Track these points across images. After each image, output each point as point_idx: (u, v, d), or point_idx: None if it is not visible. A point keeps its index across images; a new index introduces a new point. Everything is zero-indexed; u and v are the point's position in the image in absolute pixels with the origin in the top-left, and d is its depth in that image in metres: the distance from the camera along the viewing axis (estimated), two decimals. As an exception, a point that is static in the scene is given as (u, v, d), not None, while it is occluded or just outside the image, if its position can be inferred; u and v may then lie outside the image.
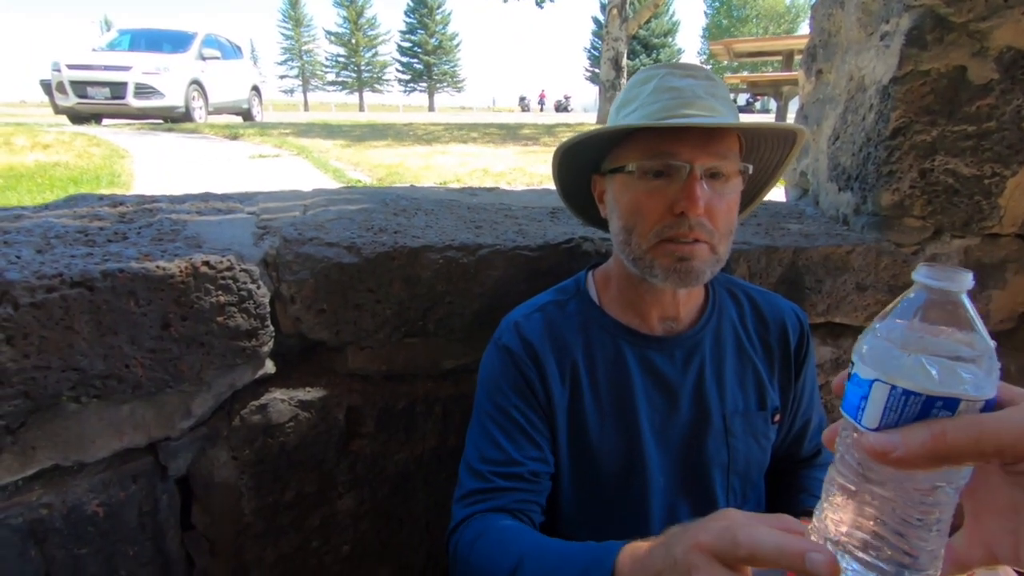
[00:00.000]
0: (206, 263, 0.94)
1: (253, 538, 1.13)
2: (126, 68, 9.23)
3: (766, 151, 0.92)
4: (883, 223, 1.30)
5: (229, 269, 0.96)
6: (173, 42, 10.46)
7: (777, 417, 0.96)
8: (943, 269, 0.35)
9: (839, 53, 1.54)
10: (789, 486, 1.04)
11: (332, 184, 4.46)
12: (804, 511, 0.94)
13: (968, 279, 0.34)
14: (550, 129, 9.56)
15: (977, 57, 1.18)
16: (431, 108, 62.17)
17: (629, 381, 0.89)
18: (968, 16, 1.16)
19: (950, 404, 0.33)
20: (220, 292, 0.96)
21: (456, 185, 4.26)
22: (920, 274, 0.35)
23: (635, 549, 0.58)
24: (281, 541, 1.15)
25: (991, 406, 0.34)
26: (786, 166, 0.94)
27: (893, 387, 0.35)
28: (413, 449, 1.21)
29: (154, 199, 1.33)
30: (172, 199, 1.33)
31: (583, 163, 0.93)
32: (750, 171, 0.84)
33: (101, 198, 1.34)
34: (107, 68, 9.25)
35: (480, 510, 0.79)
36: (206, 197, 1.38)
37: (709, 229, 0.78)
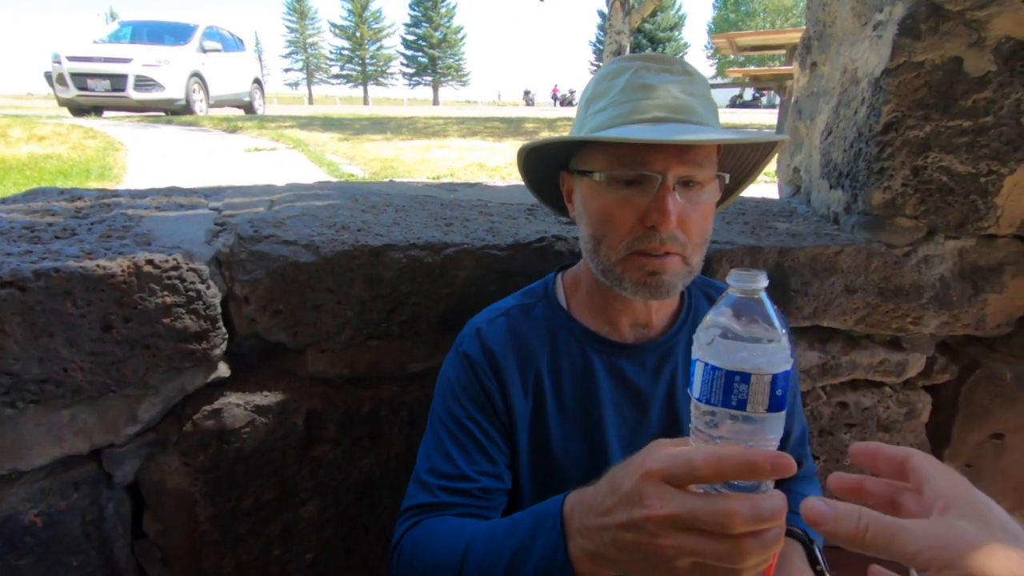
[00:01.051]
0: (150, 262, 0.89)
1: (210, 546, 1.09)
2: (126, 60, 9.19)
3: (744, 152, 0.87)
4: (874, 223, 1.24)
5: (175, 268, 0.91)
6: (174, 34, 10.42)
7: (753, 428, 0.91)
8: (747, 273, 0.45)
9: (833, 45, 1.47)
10: (767, 501, 0.98)
11: (326, 177, 4.42)
12: (780, 529, 0.89)
13: (763, 280, 0.45)
14: (551, 124, 9.47)
15: (974, 48, 1.12)
16: (435, 102, 61.96)
17: (596, 390, 0.84)
18: (965, 4, 1.10)
19: (745, 378, 0.43)
20: (166, 292, 0.91)
21: (449, 179, 4.21)
22: (730, 279, 0.46)
23: (580, 495, 0.58)
24: (240, 549, 1.11)
25: (783, 378, 0.44)
26: (763, 167, 0.89)
27: (706, 364, 0.45)
28: (379, 455, 1.16)
29: (115, 193, 1.28)
30: (133, 193, 1.29)
31: (552, 159, 0.88)
32: (726, 180, 0.79)
33: (61, 192, 1.29)
34: (107, 60, 9.21)
35: (422, 521, 0.76)
36: (170, 191, 1.33)
37: (682, 241, 0.74)
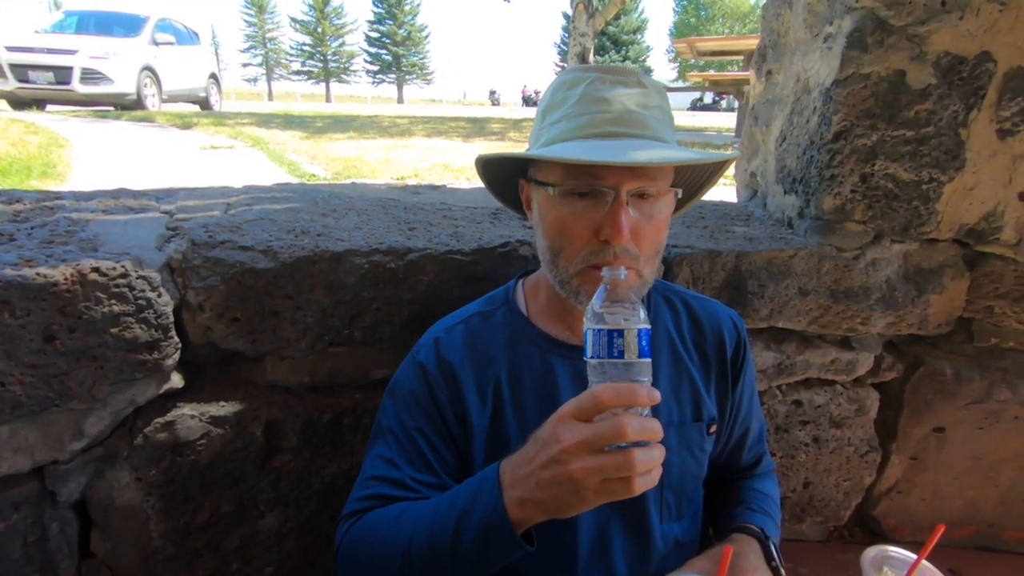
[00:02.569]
0: (96, 269, 0.85)
1: (163, 563, 1.05)
2: (72, 52, 8.74)
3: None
4: (825, 227, 1.29)
5: (123, 276, 0.87)
6: (124, 25, 9.97)
7: (713, 428, 0.93)
8: (613, 269, 0.64)
9: (787, 54, 1.52)
10: (727, 498, 1.01)
11: (287, 177, 4.31)
12: (738, 527, 0.91)
13: (624, 272, 0.64)
14: (517, 124, 9.49)
15: (916, 61, 1.17)
16: (400, 100, 61.20)
17: (557, 396, 0.85)
18: (907, 20, 1.15)
19: (620, 334, 0.60)
20: (114, 301, 0.87)
21: (414, 180, 4.17)
22: (603, 272, 0.65)
23: (511, 457, 0.68)
24: (195, 565, 1.07)
25: (644, 333, 0.61)
26: (720, 175, 0.91)
27: (595, 330, 0.61)
28: (341, 464, 1.14)
29: (58, 195, 1.22)
30: (78, 196, 1.23)
31: (512, 165, 0.89)
32: (679, 195, 0.80)
33: (-2, 194, 1.22)
34: (51, 51, 8.74)
35: (360, 519, 0.77)
36: (118, 194, 1.27)
37: (634, 254, 0.75)
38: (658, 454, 0.60)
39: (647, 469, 0.58)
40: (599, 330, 0.61)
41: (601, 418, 0.60)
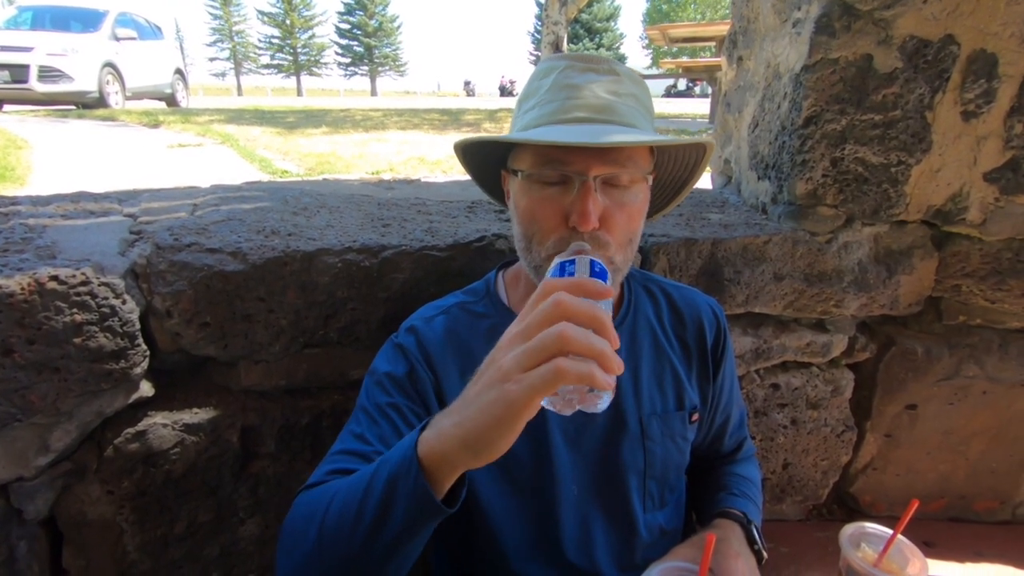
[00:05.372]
0: (54, 278, 0.82)
1: (141, 576, 1.02)
2: (27, 49, 8.42)
3: (679, 153, 0.88)
4: (798, 212, 1.30)
5: (84, 284, 0.84)
6: (82, 20, 9.62)
7: (695, 416, 0.94)
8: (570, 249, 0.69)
9: (757, 40, 1.53)
10: (710, 484, 1.02)
11: (259, 174, 4.22)
12: (721, 512, 0.92)
13: (586, 246, 0.70)
14: (492, 114, 9.42)
15: (882, 46, 1.19)
16: (373, 92, 60.34)
17: None
18: (873, 4, 1.16)
19: (572, 262, 0.62)
20: (75, 310, 0.84)
21: (389, 173, 4.11)
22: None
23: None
24: (175, 576, 1.05)
25: (597, 263, 0.61)
26: (702, 167, 0.91)
27: (552, 268, 0.63)
28: (322, 466, 1.12)
29: (13, 201, 1.17)
30: (35, 200, 1.18)
31: (493, 157, 0.88)
32: (650, 181, 0.80)
33: (-51, 201, 1.17)
34: (5, 48, 8.40)
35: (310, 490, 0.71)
36: (78, 197, 1.22)
37: (604, 241, 0.75)
38: (600, 343, 0.48)
39: (581, 348, 0.47)
40: (553, 267, 0.63)
41: None
